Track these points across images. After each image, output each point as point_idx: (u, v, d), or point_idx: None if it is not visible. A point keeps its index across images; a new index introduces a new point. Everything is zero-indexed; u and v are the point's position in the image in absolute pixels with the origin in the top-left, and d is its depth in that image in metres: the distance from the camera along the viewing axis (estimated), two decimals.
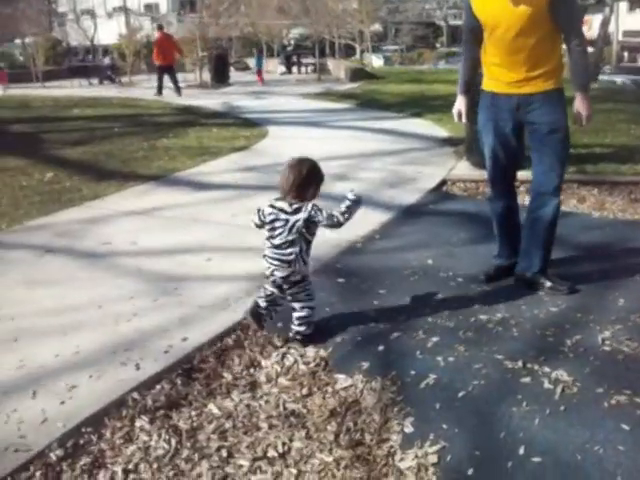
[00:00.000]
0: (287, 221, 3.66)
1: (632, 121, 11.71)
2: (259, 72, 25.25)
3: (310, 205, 3.67)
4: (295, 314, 3.83)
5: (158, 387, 3.33)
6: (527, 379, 3.31)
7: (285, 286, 3.79)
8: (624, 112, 12.89)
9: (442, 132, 10.88)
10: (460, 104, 4.62)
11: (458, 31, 51.22)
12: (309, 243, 3.76)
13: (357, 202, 3.74)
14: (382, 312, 4.09)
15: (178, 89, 19.23)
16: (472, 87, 4.63)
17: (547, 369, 3.39)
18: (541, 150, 4.30)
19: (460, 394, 3.20)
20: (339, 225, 3.73)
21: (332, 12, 34.40)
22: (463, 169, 8.02)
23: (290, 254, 3.69)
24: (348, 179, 7.49)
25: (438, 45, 55.11)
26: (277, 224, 3.69)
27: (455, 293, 4.37)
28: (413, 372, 3.39)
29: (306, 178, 3.69)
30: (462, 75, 4.64)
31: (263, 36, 34.90)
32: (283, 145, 9.95)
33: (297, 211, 3.66)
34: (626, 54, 55.87)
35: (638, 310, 4.08)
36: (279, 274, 3.73)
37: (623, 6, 46.69)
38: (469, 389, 3.24)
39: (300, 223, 3.66)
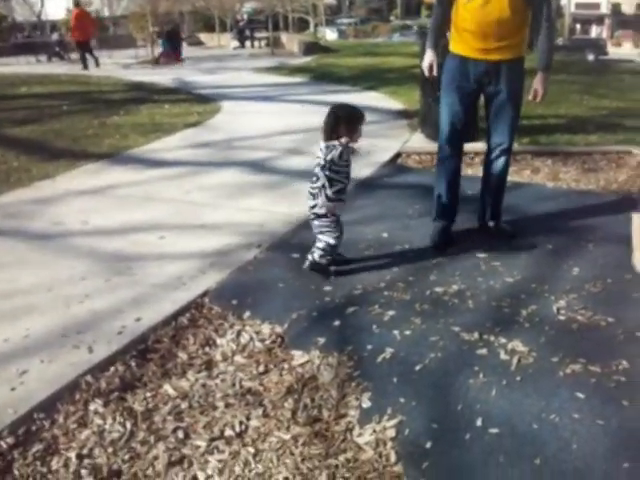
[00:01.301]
0: (318, 158, 4.12)
1: (585, 92, 11.84)
2: (170, 54, 23.21)
3: (337, 144, 4.04)
4: (315, 245, 4.26)
5: (112, 369, 3.27)
6: (483, 350, 3.34)
7: (312, 217, 4.22)
8: (577, 83, 13.02)
9: (396, 105, 10.87)
10: (430, 58, 4.69)
11: (412, 3, 51.25)
12: (332, 180, 4.12)
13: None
14: (337, 286, 4.07)
15: (86, 65, 20.15)
16: (439, 46, 4.75)
17: (503, 340, 3.43)
18: (500, 114, 4.63)
19: (417, 367, 3.21)
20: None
21: None
22: (417, 142, 8.01)
23: (314, 188, 4.16)
24: (303, 153, 7.43)
25: (392, 18, 55.09)
26: (315, 160, 4.18)
27: (411, 266, 4.37)
28: (370, 347, 3.39)
29: (331, 120, 4.11)
30: (433, 31, 4.74)
31: (216, 10, 34.52)
32: (237, 120, 9.86)
33: (327, 149, 4.07)
34: (578, 26, 56.38)
35: (592, 279, 4.14)
36: (309, 204, 4.21)
37: None
38: (426, 362, 3.24)
39: (320, 161, 4.10)
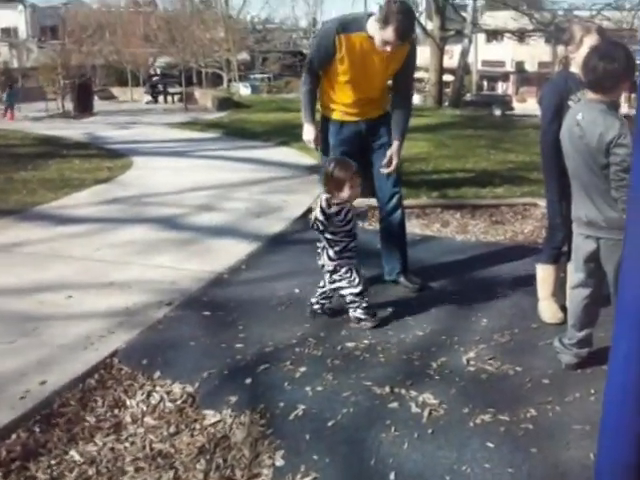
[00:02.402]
0: None
1: (491, 146, 12.24)
2: (8, 108, 22.78)
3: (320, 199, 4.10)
4: (348, 303, 4.29)
5: (14, 436, 3.14)
6: (395, 404, 3.36)
7: (325, 275, 4.29)
8: (484, 138, 13.45)
9: (308, 160, 10.96)
10: (311, 132, 4.80)
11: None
12: (331, 242, 4.19)
13: None
14: (249, 344, 4.04)
15: None
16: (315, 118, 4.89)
17: (414, 393, 3.45)
18: (382, 160, 4.78)
19: (330, 423, 3.20)
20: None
21: (199, 41, 34.43)
22: None
23: (318, 247, 4.28)
24: (214, 209, 7.43)
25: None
26: None
27: (322, 322, 4.38)
28: (282, 404, 3.36)
29: (325, 178, 4.16)
30: (308, 104, 4.80)
31: (128, 64, 34.42)
32: (148, 176, 9.78)
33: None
34: (485, 83, 58.46)
35: (500, 329, 4.23)
36: (319, 263, 4.30)
37: (481, 37, 48.88)
38: (338, 418, 3.24)
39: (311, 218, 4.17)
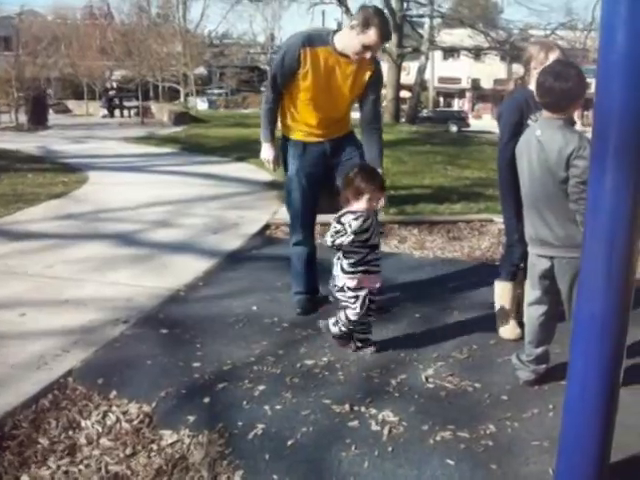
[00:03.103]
0: None
1: (448, 162, 12.36)
2: None
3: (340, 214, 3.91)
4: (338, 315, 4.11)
5: None
6: (355, 422, 3.34)
7: (334, 290, 4.08)
8: (441, 154, 13.57)
9: (266, 176, 10.95)
10: (270, 151, 4.76)
11: None
12: (347, 252, 3.94)
13: None
14: (207, 362, 3.99)
15: None
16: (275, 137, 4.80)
17: (374, 411, 3.45)
18: None
19: (289, 442, 3.17)
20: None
21: (156, 55, 34.25)
22: (286, 213, 8.00)
23: (335, 260, 4.03)
24: (171, 225, 7.37)
25: (263, 89, 55.95)
26: None
27: (280, 339, 4.35)
28: (240, 423, 3.33)
29: (344, 183, 4.01)
30: (268, 123, 4.70)
31: (84, 77, 34.10)
32: (104, 191, 9.66)
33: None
34: (442, 99, 59.17)
35: (458, 346, 4.25)
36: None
37: (438, 55, 49.50)
38: (298, 437, 3.22)
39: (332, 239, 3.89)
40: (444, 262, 6.26)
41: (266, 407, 3.47)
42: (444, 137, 21.18)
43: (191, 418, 3.39)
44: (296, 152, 4.67)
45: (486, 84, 56.55)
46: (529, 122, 3.94)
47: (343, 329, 4.08)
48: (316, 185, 4.71)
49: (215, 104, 45.06)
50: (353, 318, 3.99)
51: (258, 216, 7.85)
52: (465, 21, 31.16)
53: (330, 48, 4.36)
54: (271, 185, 10.12)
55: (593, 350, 2.54)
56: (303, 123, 4.61)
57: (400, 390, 3.68)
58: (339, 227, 3.86)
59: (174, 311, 4.80)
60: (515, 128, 3.99)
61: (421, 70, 29.35)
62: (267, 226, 7.44)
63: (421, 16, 27.84)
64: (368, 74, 4.50)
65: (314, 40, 4.37)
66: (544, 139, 3.42)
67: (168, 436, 3.29)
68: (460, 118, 44.28)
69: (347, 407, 3.47)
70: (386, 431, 3.26)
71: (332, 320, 4.14)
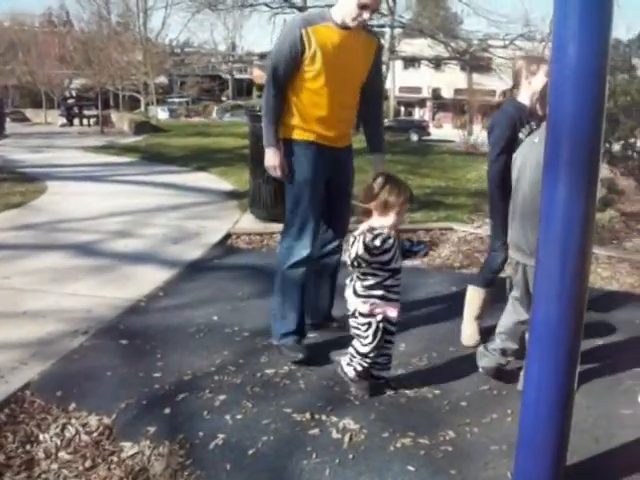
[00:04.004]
0: None
1: (409, 171, 12.42)
2: None
3: (360, 229, 3.50)
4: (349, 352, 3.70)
5: None
6: (316, 430, 3.35)
7: (348, 315, 3.67)
8: (402, 163, 13.65)
9: (227, 185, 10.95)
10: (276, 157, 4.12)
11: (243, 84, 52.36)
12: (363, 274, 3.51)
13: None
14: (167, 373, 3.97)
15: None
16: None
17: (335, 419, 3.45)
18: (341, 201, 4.34)
19: (250, 452, 3.16)
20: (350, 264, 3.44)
21: (116, 63, 33.95)
22: (247, 222, 8.07)
23: (348, 281, 3.64)
24: (131, 235, 7.31)
25: (224, 98, 55.89)
26: None
27: (241, 348, 4.34)
28: (201, 433, 3.31)
29: (367, 196, 3.55)
30: (272, 123, 4.10)
31: (43, 86, 33.74)
32: (63, 201, 9.55)
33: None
34: (403, 108, 59.62)
35: (418, 353, 4.29)
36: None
37: (399, 64, 49.87)
38: (259, 446, 3.21)
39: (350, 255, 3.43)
40: (404, 271, 6.26)
41: (227, 417, 3.46)
42: (405, 146, 21.32)
43: (151, 429, 3.37)
44: (305, 155, 4.11)
45: (446, 93, 57.20)
46: (520, 135, 3.99)
47: (359, 368, 3.65)
48: (319, 196, 4.21)
49: (176, 113, 44.84)
50: (363, 350, 3.58)
51: (219, 226, 7.82)
52: (425, 31, 31.45)
53: (331, 24, 3.94)
54: (232, 194, 10.11)
55: (548, 355, 2.59)
56: (313, 120, 4.07)
57: (360, 398, 3.69)
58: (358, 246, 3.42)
59: (134, 322, 4.77)
60: (508, 142, 4.03)
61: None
62: (228, 236, 7.43)
63: (382, 26, 27.97)
64: (374, 48, 4.18)
65: (313, 19, 3.98)
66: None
67: (128, 448, 3.26)
68: (421, 127, 44.55)
69: (308, 415, 3.47)
70: (347, 439, 3.27)
71: (345, 359, 3.74)
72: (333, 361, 4.07)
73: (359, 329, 3.59)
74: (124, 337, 4.48)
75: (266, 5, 29.09)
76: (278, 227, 7.21)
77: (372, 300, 3.52)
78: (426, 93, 59.62)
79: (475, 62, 35.35)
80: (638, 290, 5.91)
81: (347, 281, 3.67)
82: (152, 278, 5.75)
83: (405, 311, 5.00)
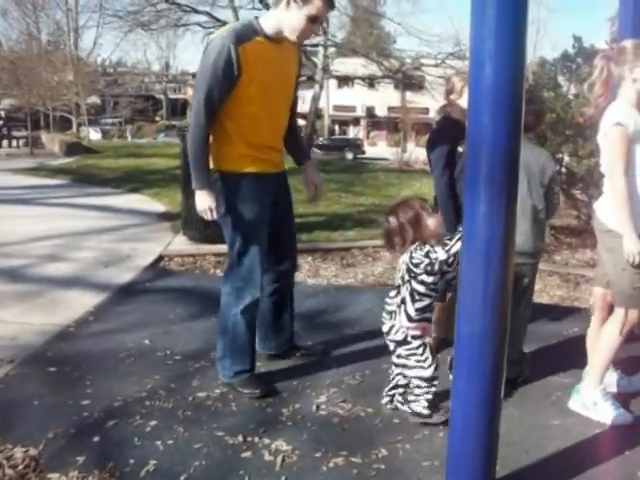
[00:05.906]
0: (399, 271, 3.45)
1: (342, 190, 12.54)
2: None
3: (414, 245, 3.40)
4: (410, 389, 3.59)
5: None
6: (248, 453, 3.33)
7: (391, 347, 3.52)
8: (336, 181, 13.77)
9: (159, 207, 10.86)
10: (211, 199, 3.69)
11: (177, 104, 52.07)
12: (419, 294, 3.40)
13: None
14: (97, 400, 3.89)
15: None
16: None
17: (267, 440, 3.44)
18: (285, 226, 4.19)
19: (182, 477, 3.12)
20: (439, 263, 3.32)
21: (46, 83, 33.39)
22: (180, 244, 7.99)
23: (392, 303, 3.49)
24: (61, 259, 7.17)
25: (158, 118, 55.54)
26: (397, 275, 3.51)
27: (173, 372, 4.29)
28: (132, 460, 3.25)
29: (398, 234, 3.46)
30: (203, 163, 3.67)
31: None
32: None
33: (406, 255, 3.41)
34: (337, 127, 60.10)
35: (351, 372, 4.30)
36: (383, 329, 3.53)
37: (333, 83, 50.26)
38: (191, 471, 3.17)
39: (402, 266, 3.40)
40: (338, 289, 6.33)
41: (158, 442, 3.41)
42: (339, 164, 21.49)
43: (80, 459, 3.28)
44: (252, 189, 3.78)
45: (380, 112, 57.83)
46: (459, 149, 4.20)
47: (429, 398, 3.52)
48: (266, 227, 3.93)
49: (109, 134, 44.34)
50: (428, 374, 3.47)
51: (151, 248, 7.74)
52: (359, 50, 31.74)
53: (261, 38, 3.65)
54: (165, 216, 10.02)
55: (474, 370, 2.62)
56: (257, 146, 3.77)
57: (293, 419, 3.69)
58: (427, 261, 3.36)
59: (63, 348, 4.67)
60: (447, 159, 4.27)
61: (316, 98, 29.63)
62: (160, 258, 7.35)
63: (315, 45, 28.14)
64: (299, 57, 4.04)
65: (245, 34, 3.61)
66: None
67: (56, 479, 3.18)
68: (356, 145, 45.05)
69: (240, 438, 3.45)
70: (279, 460, 3.26)
71: (413, 403, 3.58)
72: (385, 407, 3.83)
73: (415, 354, 3.48)
74: (52, 364, 4.38)
75: (199, 25, 28.95)
76: (211, 248, 7.23)
77: (423, 324, 3.50)
78: (360, 111, 60.17)
79: (408, 80, 35.80)
80: (567, 302, 6.06)
81: (392, 307, 3.54)
82: (82, 302, 5.64)
83: (338, 330, 5.05)
